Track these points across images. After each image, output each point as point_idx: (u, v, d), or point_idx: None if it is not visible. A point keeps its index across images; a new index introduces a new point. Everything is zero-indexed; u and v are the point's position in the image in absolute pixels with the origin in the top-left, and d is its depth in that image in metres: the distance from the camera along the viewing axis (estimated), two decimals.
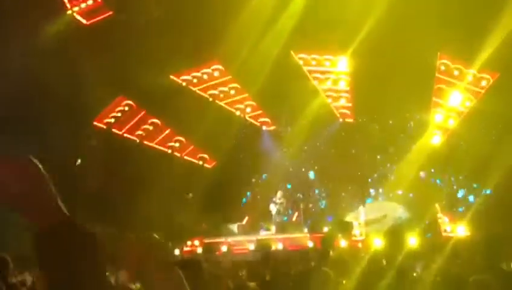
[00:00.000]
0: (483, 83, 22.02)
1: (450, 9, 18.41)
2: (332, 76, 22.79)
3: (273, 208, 22.46)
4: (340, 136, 24.44)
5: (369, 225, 22.07)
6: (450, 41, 20.08)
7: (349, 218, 23.20)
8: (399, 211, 20.76)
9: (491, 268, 6.09)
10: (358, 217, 23.25)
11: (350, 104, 23.90)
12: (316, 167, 24.18)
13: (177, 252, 20.92)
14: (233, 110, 24.38)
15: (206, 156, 24.84)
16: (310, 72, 22.56)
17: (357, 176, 23.67)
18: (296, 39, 20.19)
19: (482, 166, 20.69)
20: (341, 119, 24.67)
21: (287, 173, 24.72)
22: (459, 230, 20.97)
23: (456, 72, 22.03)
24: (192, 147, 24.36)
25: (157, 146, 23.80)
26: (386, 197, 21.41)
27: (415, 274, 8.65)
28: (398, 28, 18.81)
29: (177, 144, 24.02)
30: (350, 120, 24.51)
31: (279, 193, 22.67)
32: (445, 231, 22.17)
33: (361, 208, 23.36)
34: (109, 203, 20.78)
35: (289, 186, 25.03)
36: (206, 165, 25.00)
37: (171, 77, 22.32)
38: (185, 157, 24.48)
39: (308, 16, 19.03)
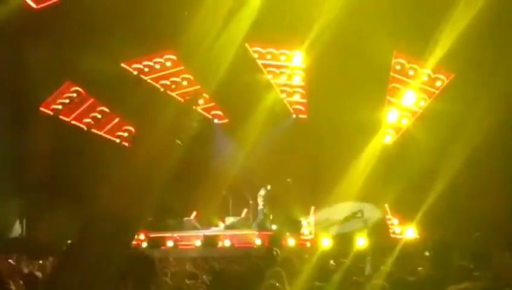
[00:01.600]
0: (438, 84, 23.14)
1: (406, 9, 19.28)
2: (287, 71, 23.33)
3: (260, 203, 22.77)
4: (293, 133, 24.58)
5: (319, 224, 22.43)
6: (406, 40, 21.03)
7: (298, 217, 23.45)
8: (349, 212, 20.98)
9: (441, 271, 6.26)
10: (308, 216, 23.64)
11: (304, 100, 24.24)
12: (267, 163, 23.91)
13: None
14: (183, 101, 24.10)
15: None
16: (265, 65, 23.12)
17: (308, 173, 23.78)
18: (251, 32, 20.61)
19: (433, 167, 21.10)
20: (294, 115, 24.96)
21: (238, 168, 24.71)
22: (408, 232, 21.46)
23: (411, 72, 23.12)
24: None
25: (105, 135, 23.81)
26: (337, 196, 21.28)
27: (363, 276, 8.66)
28: (354, 26, 19.67)
29: (125, 134, 23.97)
30: (304, 116, 24.80)
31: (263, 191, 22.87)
32: (394, 232, 23.00)
33: (312, 207, 23.68)
34: (57, 192, 20.72)
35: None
36: None
37: (122, 65, 22.27)
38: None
39: (265, 9, 19.70)
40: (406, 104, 23.90)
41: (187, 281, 9.79)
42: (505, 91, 19.29)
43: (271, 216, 23.16)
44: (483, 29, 19.16)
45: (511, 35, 19.37)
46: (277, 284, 7.28)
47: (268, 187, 22.65)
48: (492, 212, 21.63)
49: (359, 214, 19.15)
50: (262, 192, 22.84)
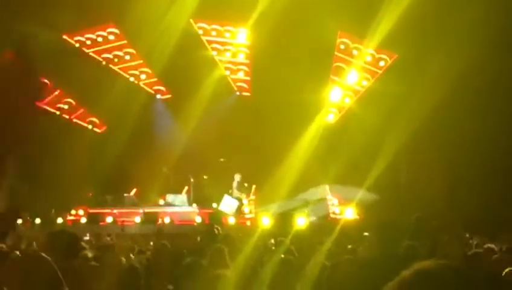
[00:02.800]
0: (381, 64, 23.68)
1: None
2: (232, 48, 23.59)
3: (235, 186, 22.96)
4: (236, 110, 24.88)
5: (260, 204, 22.73)
6: (350, 20, 21.33)
7: (239, 195, 23.61)
8: (291, 191, 21.19)
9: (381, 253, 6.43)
10: (249, 195, 23.86)
11: (248, 78, 24.58)
12: (209, 140, 24.03)
13: (60, 221, 20.98)
14: (127, 76, 24.41)
15: (96, 120, 24.82)
16: (210, 42, 23.33)
17: (251, 152, 23.88)
18: (197, 8, 20.62)
19: (375, 147, 21.45)
20: (238, 93, 25.29)
21: (179, 145, 24.75)
22: (347, 212, 21.90)
23: (355, 52, 23.37)
24: (82, 110, 24.28)
25: (45, 107, 23.60)
26: (278, 175, 21.29)
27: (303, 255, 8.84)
28: (299, 5, 19.89)
29: (66, 106, 23.90)
30: (247, 94, 25.15)
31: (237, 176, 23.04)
32: (333, 213, 23.23)
33: (253, 185, 23.92)
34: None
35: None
36: (95, 129, 25.04)
37: (64, 36, 22.09)
38: (74, 120, 24.37)
39: None
40: (350, 83, 24.15)
41: (129, 256, 9.96)
42: (446, 72, 19.56)
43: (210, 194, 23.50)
44: (426, 10, 19.57)
45: (452, 16, 19.57)
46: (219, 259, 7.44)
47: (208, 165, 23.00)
48: (432, 193, 22.44)
49: (299, 194, 19.64)
50: (203, 169, 23.19)
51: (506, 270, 6.69)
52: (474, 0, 19.23)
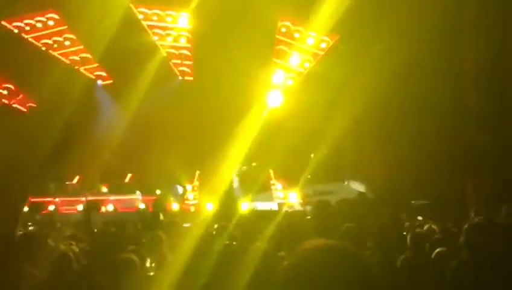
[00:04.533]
0: (323, 45, 23.83)
1: None
2: (174, 32, 23.68)
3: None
4: (178, 95, 25.14)
5: (204, 189, 23.13)
6: (291, 3, 21.46)
7: (183, 181, 24.41)
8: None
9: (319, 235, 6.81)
10: (193, 181, 24.59)
11: (190, 62, 24.87)
12: (152, 126, 24.68)
13: None
14: (67, 61, 24.35)
15: (35, 106, 24.76)
16: (151, 27, 23.37)
17: (194, 137, 24.27)
18: None
19: (318, 130, 22.05)
20: (180, 77, 25.66)
21: (122, 131, 25.10)
22: (291, 197, 22.60)
23: (296, 34, 23.93)
24: (21, 96, 24.27)
25: None
26: (222, 160, 21.64)
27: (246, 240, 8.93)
28: None
29: (5, 92, 23.87)
30: (190, 78, 25.48)
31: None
32: (277, 197, 23.97)
33: (197, 171, 24.68)
34: None
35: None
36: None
37: (2, 22, 22.04)
38: (14, 105, 24.34)
39: None
40: (292, 65, 24.63)
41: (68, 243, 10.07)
42: (388, 54, 20.15)
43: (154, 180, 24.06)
44: None
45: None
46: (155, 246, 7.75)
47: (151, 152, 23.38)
48: (373, 176, 23.69)
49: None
50: (146, 155, 23.61)
51: (437, 250, 7.12)
52: None
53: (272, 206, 22.52)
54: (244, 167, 23.41)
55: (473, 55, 21.14)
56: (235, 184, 22.30)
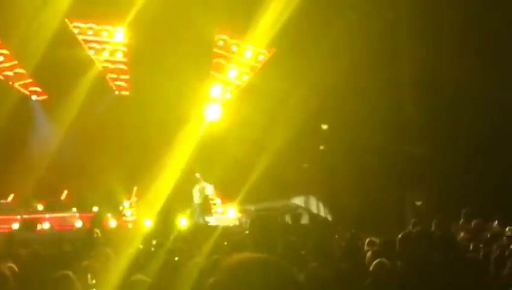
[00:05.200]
0: (261, 58, 24.40)
1: None
2: (109, 47, 23.99)
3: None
4: (115, 110, 25.25)
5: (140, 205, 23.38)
6: (228, 16, 22.09)
7: (120, 197, 24.16)
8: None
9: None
10: (131, 197, 24.52)
11: (127, 77, 25.07)
12: (89, 142, 24.71)
13: None
14: (1, 77, 24.40)
15: None
16: (86, 41, 23.63)
17: (131, 152, 24.40)
18: (71, 6, 20.70)
19: (257, 142, 22.49)
20: (117, 92, 25.81)
21: (57, 147, 25.13)
22: (229, 211, 23.30)
23: (234, 47, 24.35)
24: None
25: None
26: (159, 175, 21.50)
27: (184, 256, 9.11)
28: (176, 2, 20.64)
29: None
30: (126, 93, 25.71)
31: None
32: (216, 212, 24.62)
33: (134, 187, 24.45)
34: None
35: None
36: None
37: None
38: None
39: None
40: (230, 78, 25.18)
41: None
42: (325, 66, 20.52)
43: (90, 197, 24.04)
44: (304, 6, 20.05)
45: (330, 14, 20.86)
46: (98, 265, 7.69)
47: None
48: (314, 190, 24.50)
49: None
50: (81, 172, 23.67)
51: (375, 262, 7.30)
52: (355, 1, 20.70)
53: (211, 220, 22.75)
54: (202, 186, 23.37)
55: (410, 69, 22.08)
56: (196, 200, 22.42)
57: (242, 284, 2.06)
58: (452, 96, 22.04)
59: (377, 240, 10.35)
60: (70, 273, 6.69)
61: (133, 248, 9.82)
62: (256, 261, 2.14)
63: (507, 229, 13.01)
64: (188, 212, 21.95)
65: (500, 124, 20.65)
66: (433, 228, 12.42)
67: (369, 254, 8.84)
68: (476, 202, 16.20)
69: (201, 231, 16.23)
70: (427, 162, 22.83)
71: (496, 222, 14.65)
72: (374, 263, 7.24)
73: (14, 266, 9.05)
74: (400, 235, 8.31)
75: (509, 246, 10.23)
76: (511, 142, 21.08)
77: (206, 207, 24.03)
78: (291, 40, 22.30)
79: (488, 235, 11.99)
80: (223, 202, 25.04)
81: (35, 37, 20.99)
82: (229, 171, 23.29)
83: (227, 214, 23.78)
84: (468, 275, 6.90)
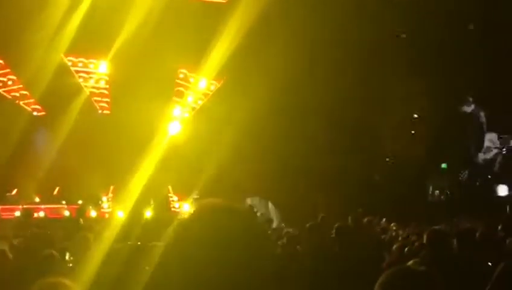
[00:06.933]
0: (212, 88, 27.89)
1: (186, 35, 23.29)
2: (95, 76, 27.02)
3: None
4: (98, 126, 28.31)
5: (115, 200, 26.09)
6: (188, 55, 24.96)
7: (99, 194, 27.50)
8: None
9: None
10: (108, 193, 27.76)
11: (108, 100, 28.50)
12: (78, 150, 27.06)
13: None
14: (9, 97, 27.67)
15: None
16: (77, 71, 26.73)
17: (109, 160, 27.08)
18: (66, 45, 23.77)
19: (206, 154, 25.30)
20: (100, 111, 28.84)
21: (51, 154, 27.94)
22: (184, 206, 25.78)
23: (191, 79, 27.69)
24: None
25: None
26: (131, 177, 22.36)
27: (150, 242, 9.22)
28: (148, 43, 23.43)
29: None
30: (107, 112, 28.64)
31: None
32: (174, 207, 27.67)
33: (111, 186, 27.62)
34: None
35: None
36: None
37: None
38: None
39: (80, 28, 22.52)
40: (188, 102, 28.48)
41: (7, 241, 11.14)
42: (263, 94, 23.31)
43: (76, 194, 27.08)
44: (247, 46, 23.16)
45: (270, 49, 23.13)
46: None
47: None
48: (252, 185, 27.36)
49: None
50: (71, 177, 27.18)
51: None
52: (284, 34, 22.97)
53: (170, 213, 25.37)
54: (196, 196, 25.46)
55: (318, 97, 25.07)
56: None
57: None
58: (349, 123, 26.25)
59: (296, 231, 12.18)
60: (54, 252, 7.39)
61: (108, 233, 10.32)
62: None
63: (392, 224, 17.20)
64: (152, 206, 23.69)
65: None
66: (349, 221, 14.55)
67: (284, 240, 10.12)
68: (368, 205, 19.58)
69: (162, 221, 16.85)
70: (336, 171, 26.32)
71: (384, 219, 18.39)
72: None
73: (16, 243, 10.16)
74: (307, 225, 9.13)
75: (397, 237, 12.83)
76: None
77: (166, 203, 26.90)
78: (233, 73, 25.26)
79: (379, 229, 14.57)
80: (180, 199, 27.68)
81: (38, 67, 23.23)
82: (184, 174, 26.22)
83: (182, 209, 26.02)
84: (364, 261, 7.41)
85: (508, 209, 24.15)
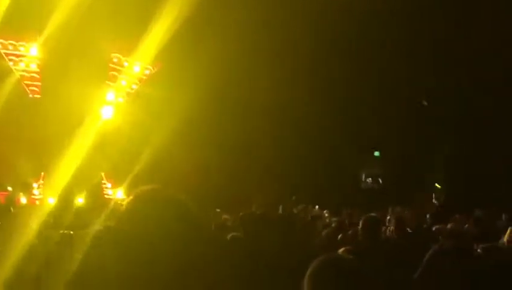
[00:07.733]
0: (147, 72, 28.24)
1: (121, 18, 23.57)
2: (26, 59, 26.71)
3: None
4: (29, 110, 27.29)
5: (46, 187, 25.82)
6: (121, 39, 25.47)
7: (30, 180, 25.79)
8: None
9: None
10: (39, 180, 26.95)
11: (39, 83, 27.64)
12: (6, 137, 26.21)
13: None
14: None
15: None
16: (7, 54, 26.39)
17: (40, 145, 26.23)
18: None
19: (142, 138, 25.56)
20: (31, 95, 28.05)
21: None
22: (118, 193, 25.61)
23: (125, 63, 27.77)
24: None
25: None
26: (61, 163, 22.48)
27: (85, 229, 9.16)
28: (81, 26, 23.43)
29: None
30: (38, 96, 28.04)
31: None
32: (107, 194, 26.96)
33: (41, 172, 26.89)
34: None
35: None
36: None
37: None
38: None
39: (7, 8, 22.27)
40: (122, 87, 28.33)
41: None
42: (197, 81, 24.18)
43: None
44: (186, 32, 23.52)
45: (210, 36, 23.82)
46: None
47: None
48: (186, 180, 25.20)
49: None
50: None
51: (229, 236, 8.24)
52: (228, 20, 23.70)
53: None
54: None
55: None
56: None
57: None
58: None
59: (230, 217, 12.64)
60: None
61: (37, 219, 10.20)
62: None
63: (324, 211, 18.42)
64: (84, 193, 21.17)
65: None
66: (280, 211, 15.08)
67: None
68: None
69: (94, 208, 15.79)
70: (275, 160, 27.45)
71: (317, 206, 19.50)
72: (228, 236, 7.82)
73: None
74: (241, 214, 9.24)
75: (330, 224, 13.13)
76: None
77: (99, 189, 25.67)
78: (170, 58, 25.42)
79: (310, 216, 15.35)
80: (113, 187, 27.32)
81: None
82: (118, 162, 26.04)
83: (116, 195, 25.60)
84: (293, 246, 7.54)
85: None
